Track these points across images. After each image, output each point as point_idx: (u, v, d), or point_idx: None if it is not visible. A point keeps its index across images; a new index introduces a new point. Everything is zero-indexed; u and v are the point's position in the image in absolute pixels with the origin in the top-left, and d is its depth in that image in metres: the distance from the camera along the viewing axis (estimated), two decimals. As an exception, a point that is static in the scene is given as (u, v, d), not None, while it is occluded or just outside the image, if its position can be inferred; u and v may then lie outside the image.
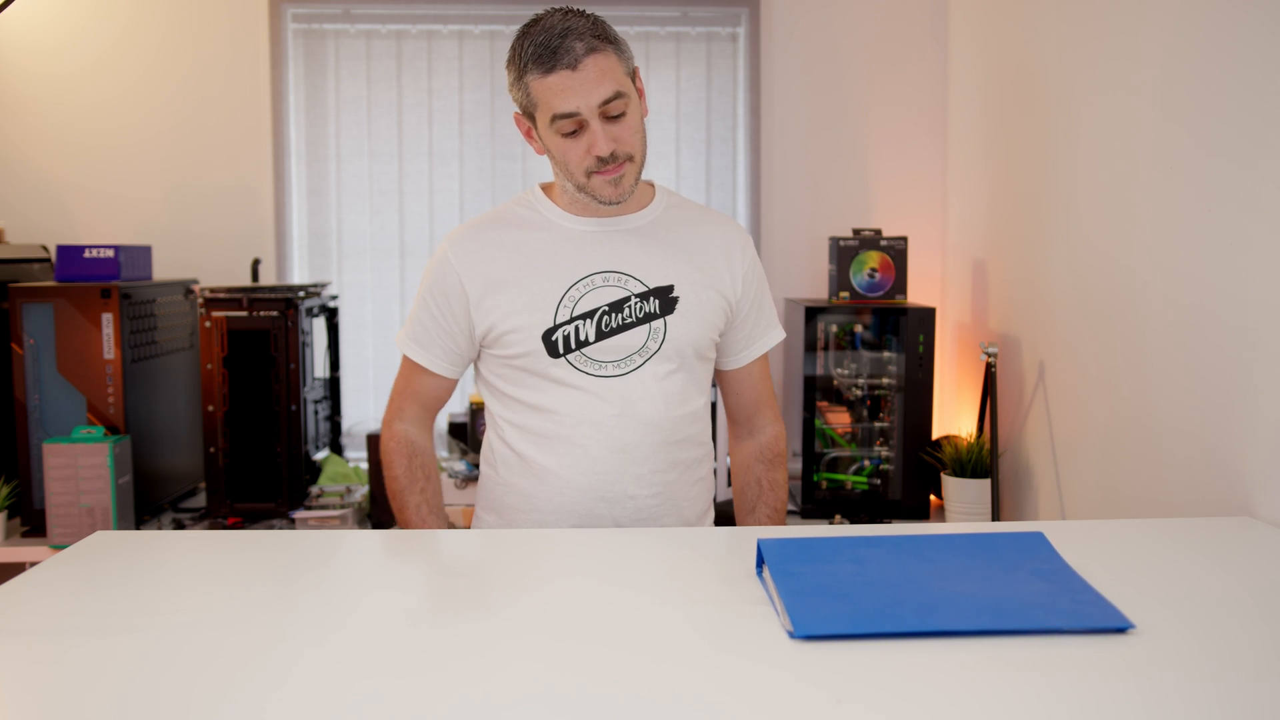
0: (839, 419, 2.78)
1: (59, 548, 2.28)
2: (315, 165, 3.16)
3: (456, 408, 3.19)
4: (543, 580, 1.20)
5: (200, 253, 3.06)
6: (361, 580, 1.24)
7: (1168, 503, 1.75)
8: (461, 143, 3.17)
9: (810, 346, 2.74)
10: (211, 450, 2.55)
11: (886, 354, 2.76)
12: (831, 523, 2.65)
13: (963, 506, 2.52)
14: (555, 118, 1.44)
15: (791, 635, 0.98)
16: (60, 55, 3.03)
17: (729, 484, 2.82)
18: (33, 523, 2.43)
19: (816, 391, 2.75)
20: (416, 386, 1.63)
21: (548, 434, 1.55)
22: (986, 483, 2.48)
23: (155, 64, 3.05)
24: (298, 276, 3.18)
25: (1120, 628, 0.98)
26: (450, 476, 2.59)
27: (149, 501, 2.54)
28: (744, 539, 1.34)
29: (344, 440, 3.01)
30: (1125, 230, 1.93)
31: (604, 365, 1.53)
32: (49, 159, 3.04)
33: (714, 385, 1.73)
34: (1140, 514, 1.84)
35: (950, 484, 2.54)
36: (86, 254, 2.52)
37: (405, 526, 1.60)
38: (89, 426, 2.40)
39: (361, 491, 2.68)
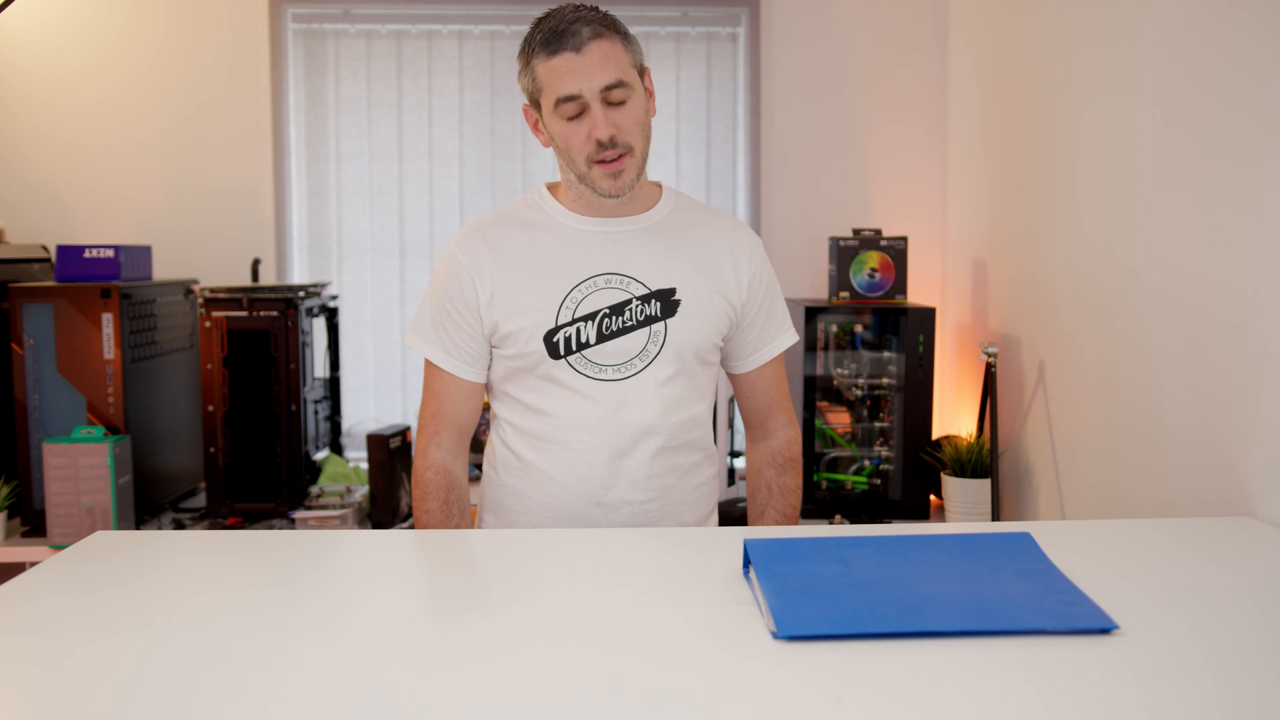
0: (839, 419, 2.78)
1: (59, 548, 2.28)
2: (315, 165, 3.16)
3: (456, 408, 3.18)
4: (542, 580, 1.20)
5: (200, 253, 3.06)
6: (361, 580, 1.24)
7: (1168, 503, 1.75)
8: (461, 143, 3.17)
9: (810, 346, 2.74)
10: (211, 450, 2.55)
11: (886, 354, 2.76)
12: (831, 522, 2.65)
13: (963, 506, 2.52)
14: (559, 101, 1.45)
15: (775, 635, 0.97)
16: (60, 55, 3.03)
17: (729, 483, 2.82)
18: (33, 523, 2.43)
19: (816, 391, 2.76)
20: (450, 404, 1.59)
21: (545, 437, 1.54)
22: (986, 483, 2.48)
23: (155, 64, 3.05)
24: (298, 276, 3.18)
25: (1104, 628, 0.98)
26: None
27: (149, 501, 2.54)
28: (742, 539, 1.34)
29: (344, 440, 3.01)
30: (1125, 230, 1.93)
31: (604, 369, 1.52)
32: (49, 159, 3.04)
33: (719, 386, 1.72)
34: (1140, 514, 1.84)
35: (950, 484, 2.54)
36: (86, 254, 2.52)
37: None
38: (89, 426, 2.40)
39: (361, 491, 2.68)
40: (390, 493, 2.58)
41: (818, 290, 3.11)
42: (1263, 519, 1.46)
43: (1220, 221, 1.61)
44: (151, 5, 3.04)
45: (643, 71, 1.52)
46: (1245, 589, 1.16)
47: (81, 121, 3.04)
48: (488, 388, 1.64)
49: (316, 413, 2.76)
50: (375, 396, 3.21)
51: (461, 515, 1.59)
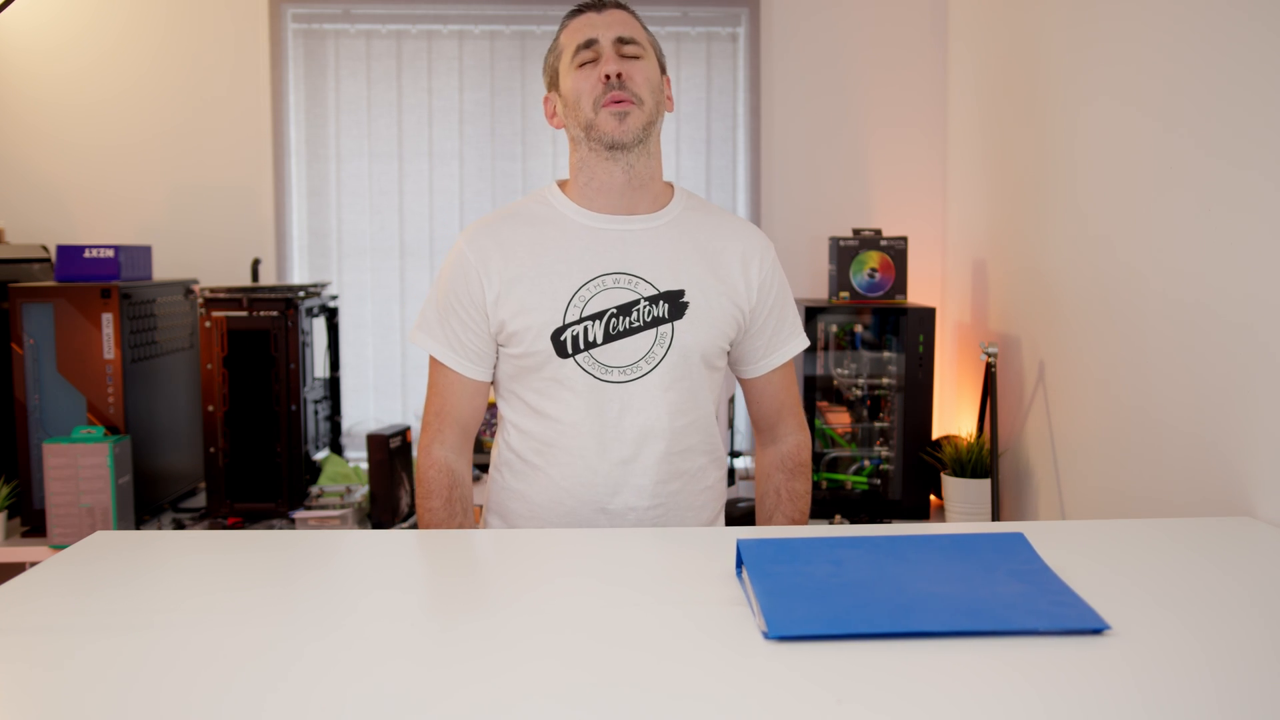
0: (839, 419, 2.78)
1: (59, 548, 2.28)
2: (315, 165, 3.16)
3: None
4: (542, 580, 1.20)
5: (200, 253, 3.06)
6: (361, 580, 1.24)
7: (1168, 503, 1.75)
8: (461, 143, 3.17)
9: (810, 347, 2.74)
10: (211, 450, 2.55)
11: (886, 354, 2.76)
12: (832, 522, 2.65)
13: (963, 506, 2.52)
14: (576, 49, 1.53)
15: (766, 636, 0.97)
16: (60, 55, 3.03)
17: (729, 484, 2.82)
18: (33, 523, 2.43)
19: (816, 391, 2.76)
20: (453, 402, 1.59)
21: (550, 442, 1.53)
22: (986, 483, 2.48)
23: (155, 64, 3.05)
24: (298, 276, 3.18)
25: (1096, 629, 0.98)
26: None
27: (149, 501, 2.54)
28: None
29: (344, 440, 3.01)
30: (1125, 230, 1.93)
31: (610, 370, 1.51)
32: (49, 159, 3.04)
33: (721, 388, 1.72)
34: (1140, 514, 1.84)
35: (950, 484, 2.54)
36: (86, 254, 2.52)
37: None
38: (89, 426, 2.40)
39: (361, 491, 2.68)
40: (390, 493, 2.58)
41: (818, 290, 3.11)
42: (1263, 519, 1.46)
43: (1220, 222, 1.61)
44: (151, 5, 3.04)
45: (663, 68, 1.60)
46: (1244, 589, 1.16)
47: (81, 121, 3.04)
48: (494, 388, 1.63)
49: (316, 413, 2.76)
50: (375, 396, 3.21)
51: (465, 513, 1.59)
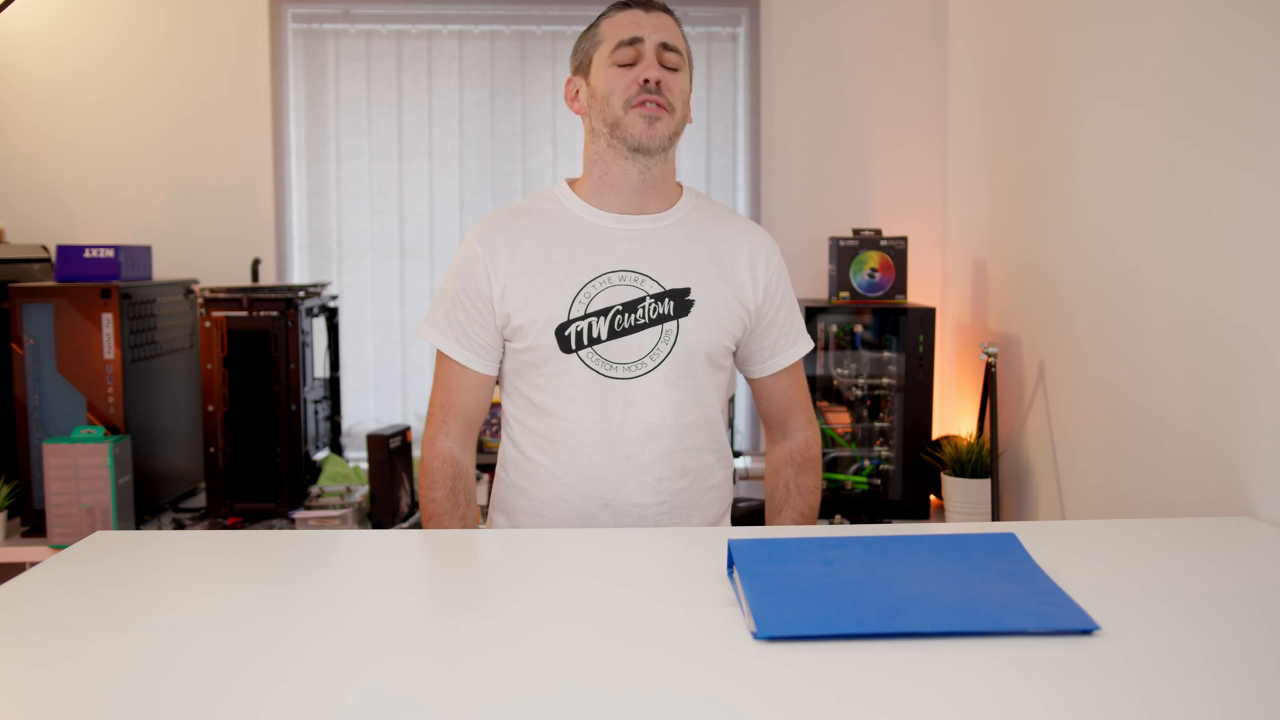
0: (839, 419, 2.78)
1: (59, 548, 2.28)
2: (315, 165, 3.16)
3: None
4: (541, 580, 1.20)
5: (200, 253, 3.06)
6: (361, 580, 1.24)
7: (1168, 503, 1.75)
8: (461, 143, 3.17)
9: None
10: (211, 450, 2.55)
11: (886, 354, 2.76)
12: (832, 522, 2.65)
13: (963, 507, 2.52)
14: (618, 45, 1.50)
15: (755, 636, 0.97)
16: (60, 55, 3.03)
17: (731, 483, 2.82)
18: (33, 523, 2.43)
19: (817, 391, 2.76)
20: (458, 394, 1.59)
21: (554, 438, 1.54)
22: (986, 483, 2.48)
23: (155, 64, 3.05)
24: (298, 276, 3.18)
25: (1085, 629, 0.98)
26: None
27: (149, 501, 2.54)
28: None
29: (344, 440, 3.01)
30: (1125, 230, 1.93)
31: (614, 367, 1.52)
32: (49, 159, 3.04)
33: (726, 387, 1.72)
34: (1140, 514, 1.84)
35: (950, 484, 2.54)
36: (86, 254, 2.52)
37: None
38: (89, 426, 2.40)
39: (361, 491, 2.68)
40: (390, 493, 2.58)
41: (818, 290, 3.11)
42: (1263, 519, 1.46)
43: (1220, 222, 1.61)
44: (151, 5, 3.04)
45: (690, 80, 1.59)
46: (1243, 589, 1.16)
47: (81, 121, 3.04)
48: (499, 384, 1.63)
49: (316, 413, 2.76)
50: (375, 396, 3.21)
51: (468, 504, 1.59)
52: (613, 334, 1.51)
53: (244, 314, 2.54)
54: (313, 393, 2.72)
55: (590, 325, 1.51)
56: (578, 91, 1.57)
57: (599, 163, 1.55)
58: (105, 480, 2.33)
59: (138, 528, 2.47)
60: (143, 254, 2.70)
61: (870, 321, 2.80)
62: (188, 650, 0.97)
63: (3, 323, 2.51)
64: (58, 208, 3.04)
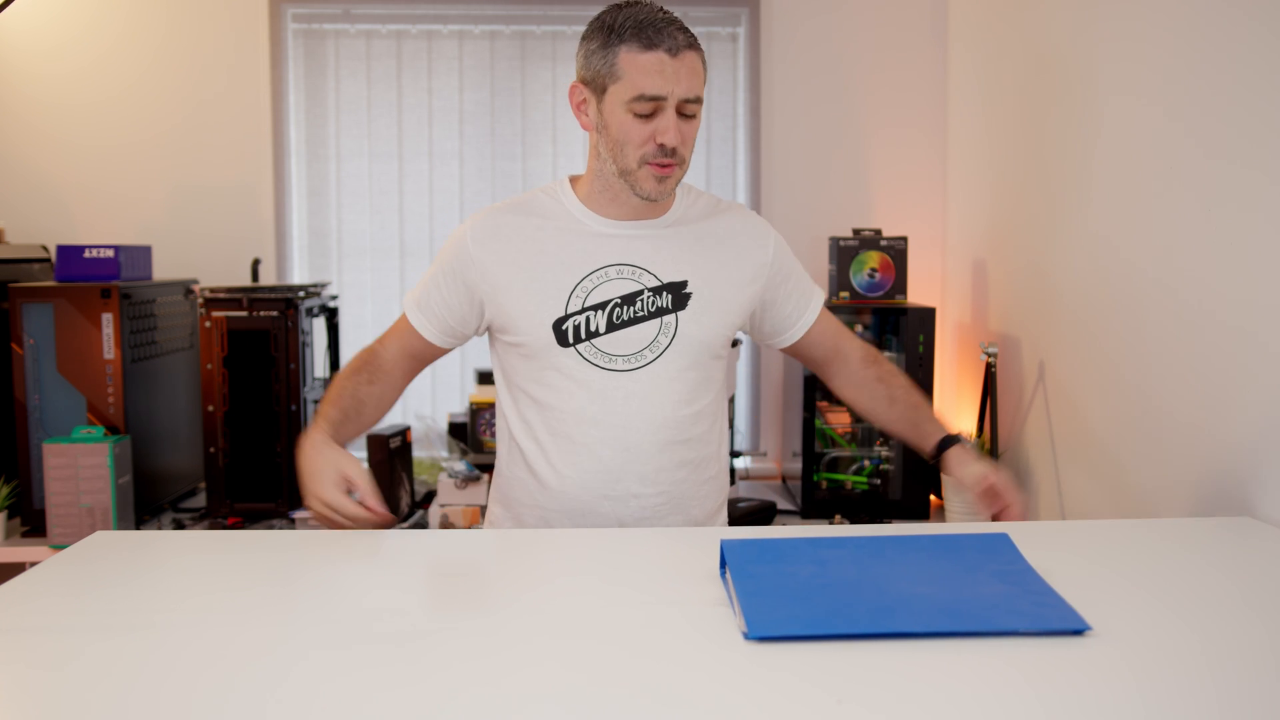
0: (839, 419, 2.78)
1: (59, 548, 2.28)
2: (315, 165, 3.16)
3: (456, 407, 3.19)
4: (542, 580, 1.21)
5: (200, 253, 3.06)
6: (362, 580, 1.24)
7: (1168, 502, 1.75)
8: (461, 143, 3.17)
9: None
10: (211, 450, 2.55)
11: (887, 354, 2.76)
12: (831, 522, 2.65)
13: (962, 507, 2.52)
14: (638, 97, 1.44)
15: (746, 636, 0.97)
16: (60, 55, 3.03)
17: (730, 483, 2.82)
18: (33, 523, 2.43)
19: (816, 391, 2.75)
20: (387, 341, 1.63)
21: (553, 429, 1.54)
22: (986, 483, 2.48)
23: (155, 64, 3.05)
24: (298, 276, 3.18)
25: (1077, 629, 0.98)
26: (450, 476, 2.59)
27: (149, 501, 2.54)
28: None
29: (344, 440, 3.00)
30: (1125, 230, 1.93)
31: (614, 359, 1.52)
32: (49, 159, 3.04)
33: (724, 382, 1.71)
34: (1140, 514, 1.84)
35: (950, 484, 2.54)
36: (86, 254, 2.52)
37: (320, 404, 1.60)
38: (89, 426, 2.40)
39: (361, 491, 2.68)
40: (390, 493, 2.58)
41: (818, 290, 3.11)
42: (1263, 519, 1.46)
43: (1221, 222, 1.61)
44: (151, 5, 3.04)
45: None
46: (1241, 589, 1.16)
47: (81, 121, 3.04)
48: (496, 385, 1.64)
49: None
50: (375, 396, 3.20)
51: (370, 382, 1.60)
52: (611, 326, 1.52)
53: (244, 314, 2.54)
54: (313, 393, 2.72)
55: (588, 319, 1.51)
56: (584, 101, 1.53)
57: (600, 179, 1.55)
58: (105, 480, 2.33)
59: (138, 528, 2.47)
60: (143, 254, 2.70)
61: (870, 321, 2.80)
62: (188, 650, 0.97)
63: (3, 323, 2.51)
64: (58, 208, 3.04)
